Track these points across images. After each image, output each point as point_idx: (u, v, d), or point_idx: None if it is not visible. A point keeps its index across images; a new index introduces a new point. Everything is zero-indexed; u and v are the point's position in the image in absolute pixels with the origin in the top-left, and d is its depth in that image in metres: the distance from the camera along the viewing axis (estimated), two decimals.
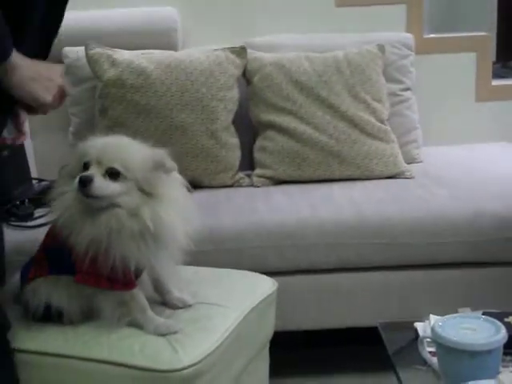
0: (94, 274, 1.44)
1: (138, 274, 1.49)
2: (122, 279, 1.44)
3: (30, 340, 1.52)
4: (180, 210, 1.48)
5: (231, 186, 2.52)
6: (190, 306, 1.60)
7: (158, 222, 1.43)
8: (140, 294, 1.51)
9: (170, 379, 1.40)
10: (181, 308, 1.60)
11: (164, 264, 1.52)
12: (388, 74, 2.68)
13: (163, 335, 1.47)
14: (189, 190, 1.55)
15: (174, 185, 1.52)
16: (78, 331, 1.51)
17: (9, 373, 1.49)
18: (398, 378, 1.39)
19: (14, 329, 1.54)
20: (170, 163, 1.50)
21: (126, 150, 1.50)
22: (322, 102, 2.52)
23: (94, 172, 1.42)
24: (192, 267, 1.80)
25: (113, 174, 1.43)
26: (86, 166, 1.45)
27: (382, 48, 2.65)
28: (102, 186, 1.41)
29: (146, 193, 1.44)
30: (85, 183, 1.40)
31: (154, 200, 1.44)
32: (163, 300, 1.62)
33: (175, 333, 1.47)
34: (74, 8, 2.72)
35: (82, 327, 1.52)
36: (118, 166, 1.43)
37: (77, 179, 1.42)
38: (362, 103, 2.53)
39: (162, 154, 1.51)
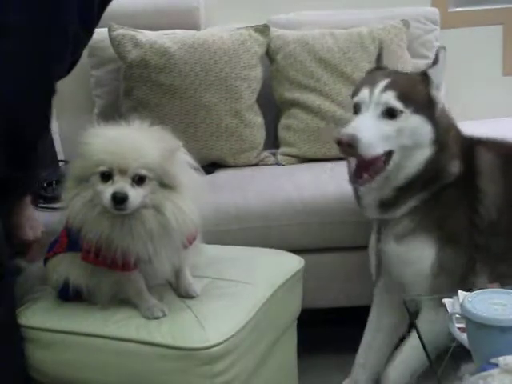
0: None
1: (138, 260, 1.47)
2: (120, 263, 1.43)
3: (58, 319, 1.54)
4: (194, 196, 1.45)
5: (256, 164, 2.52)
6: (193, 297, 1.57)
7: (180, 217, 1.40)
8: (137, 277, 1.50)
9: (197, 357, 1.41)
10: (184, 297, 1.57)
11: (172, 253, 1.48)
12: (413, 49, 2.65)
13: (153, 317, 1.47)
14: (197, 170, 1.50)
15: (184, 169, 1.47)
16: (107, 312, 1.52)
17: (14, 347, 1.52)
18: (428, 357, 1.38)
19: (43, 308, 1.57)
20: (175, 143, 1.45)
21: (144, 148, 1.40)
22: (347, 78, 2.50)
23: (123, 185, 1.36)
24: (218, 246, 1.81)
25: (139, 180, 1.38)
26: (105, 176, 1.38)
27: (406, 23, 2.61)
28: (137, 199, 1.36)
29: (166, 186, 1.41)
30: (121, 201, 1.35)
31: (173, 192, 1.41)
32: (174, 285, 1.61)
33: (163, 316, 1.47)
34: None
35: (111, 308, 1.53)
36: (143, 171, 1.37)
37: (108, 195, 1.35)
38: None
39: (169, 138, 1.45)
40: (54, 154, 2.50)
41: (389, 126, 1.59)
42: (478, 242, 1.65)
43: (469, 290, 1.37)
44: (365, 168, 1.62)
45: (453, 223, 1.65)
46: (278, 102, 2.59)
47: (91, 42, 2.63)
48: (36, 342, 1.54)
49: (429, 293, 1.64)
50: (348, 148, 1.56)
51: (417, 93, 1.63)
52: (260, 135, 2.53)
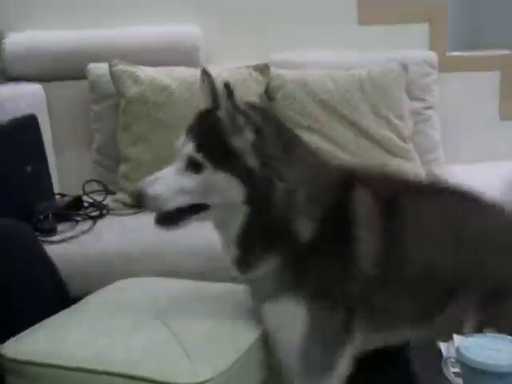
0: None
1: None
2: None
3: (45, 352, 1.50)
4: None
5: None
6: None
7: None
8: None
9: None
10: None
11: None
12: (411, 92, 2.68)
13: None
14: None
15: None
16: (92, 341, 1.49)
17: None
18: None
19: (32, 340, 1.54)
20: None
21: None
22: (345, 119, 2.52)
23: None
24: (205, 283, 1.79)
25: None
26: None
27: (404, 66, 2.64)
28: None
29: None
30: None
31: None
32: None
33: None
34: (98, 25, 2.79)
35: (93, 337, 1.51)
36: None
37: None
38: (384, 121, 2.53)
39: None
40: (51, 186, 2.50)
41: (191, 181, 1.40)
42: (356, 294, 1.46)
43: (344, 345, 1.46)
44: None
45: (323, 277, 1.45)
46: None
47: (92, 77, 2.67)
48: (20, 376, 1.50)
49: (301, 352, 1.48)
50: (137, 200, 1.45)
51: (215, 144, 1.40)
52: None
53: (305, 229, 1.42)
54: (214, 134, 1.39)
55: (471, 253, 1.50)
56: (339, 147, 2.48)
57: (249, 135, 1.37)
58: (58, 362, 1.47)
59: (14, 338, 1.54)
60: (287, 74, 2.62)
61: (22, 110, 2.40)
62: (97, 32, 2.82)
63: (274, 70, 2.62)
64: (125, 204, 2.45)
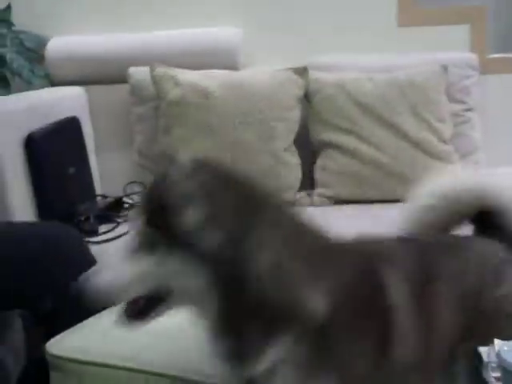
0: None
1: None
2: None
3: (90, 350, 1.51)
4: None
5: (292, 204, 2.52)
6: None
7: None
8: None
9: None
10: None
11: None
12: (451, 94, 2.65)
13: None
14: None
15: None
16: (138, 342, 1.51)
17: None
18: None
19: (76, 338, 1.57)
20: None
21: None
22: (384, 122, 2.51)
23: None
24: None
25: None
26: None
27: (444, 68, 2.62)
28: None
29: None
30: None
31: None
32: None
33: None
34: (139, 30, 2.83)
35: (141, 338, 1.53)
36: None
37: None
38: (424, 123, 2.51)
39: None
40: (92, 188, 2.55)
41: (143, 264, 1.11)
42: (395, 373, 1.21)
43: None
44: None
45: (356, 365, 1.16)
46: (315, 143, 2.61)
47: (133, 81, 2.71)
48: (64, 373, 1.53)
49: None
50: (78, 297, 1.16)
51: (166, 219, 1.09)
52: (296, 176, 2.55)
53: (317, 306, 1.11)
54: (163, 209, 1.09)
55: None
56: (378, 150, 2.48)
57: (199, 208, 1.07)
58: (102, 360, 1.48)
59: (60, 336, 1.57)
60: (326, 76, 2.62)
61: (64, 113, 2.45)
62: (137, 36, 2.86)
63: (312, 73, 2.62)
64: None
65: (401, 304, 1.19)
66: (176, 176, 1.09)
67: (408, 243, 1.34)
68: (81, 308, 1.48)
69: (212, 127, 2.46)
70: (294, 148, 2.56)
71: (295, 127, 2.56)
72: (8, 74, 2.95)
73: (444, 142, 2.54)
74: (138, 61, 2.73)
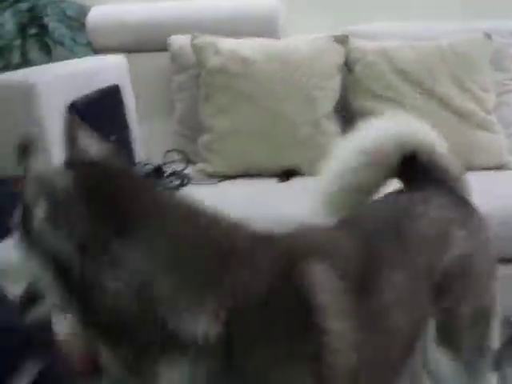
0: None
1: None
2: None
3: None
4: None
5: None
6: None
7: None
8: None
9: None
10: None
11: None
12: (494, 62, 2.61)
13: None
14: None
15: None
16: None
17: None
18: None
19: None
20: None
21: None
22: (426, 90, 2.48)
23: None
24: None
25: None
26: None
27: (488, 36, 2.57)
28: None
29: None
30: None
31: None
32: None
33: None
34: None
35: None
36: None
37: None
38: (467, 93, 2.48)
39: None
40: (132, 155, 2.57)
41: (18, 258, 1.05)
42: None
43: None
44: None
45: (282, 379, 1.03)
46: (356, 111, 2.59)
47: (173, 49, 2.71)
48: None
49: None
50: None
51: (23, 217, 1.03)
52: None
53: (204, 327, 0.97)
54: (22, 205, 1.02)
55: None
56: (419, 119, 2.45)
57: (38, 211, 0.98)
58: None
59: None
60: (366, 44, 2.60)
61: (106, 82, 2.46)
62: (178, 4, 2.87)
63: (353, 41, 2.60)
64: (205, 174, 2.50)
65: (329, 303, 1.06)
66: (35, 173, 0.99)
67: (348, 229, 1.25)
68: None
69: (252, 96, 2.46)
70: (333, 116, 2.55)
71: (335, 96, 2.54)
72: (50, 43, 2.98)
73: (487, 111, 2.50)
74: (178, 29, 2.74)
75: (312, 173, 2.49)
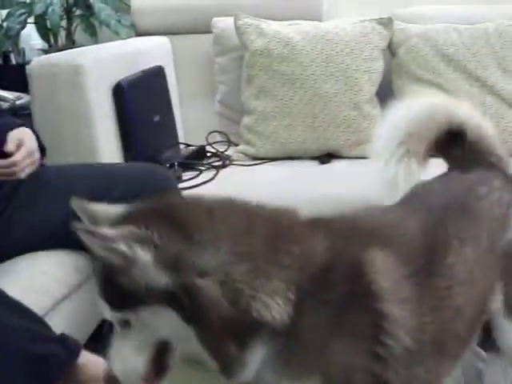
0: None
1: None
2: None
3: None
4: None
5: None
6: None
7: None
8: None
9: None
10: None
11: None
12: None
13: None
14: None
15: None
16: None
17: None
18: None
19: None
20: None
21: None
22: (470, 74, 2.46)
23: None
24: None
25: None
26: None
27: None
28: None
29: None
30: None
31: None
32: None
33: None
34: None
35: None
36: None
37: None
38: (511, 77, 2.45)
39: None
40: (176, 136, 2.60)
41: (133, 338, 1.09)
42: (386, 379, 1.11)
43: None
44: None
45: (338, 367, 1.09)
46: (398, 95, 2.58)
47: (217, 31, 2.73)
48: None
49: None
50: None
51: (122, 290, 1.05)
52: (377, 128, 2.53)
53: (279, 315, 1.04)
54: (110, 279, 1.04)
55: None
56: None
57: (143, 257, 1.00)
58: None
59: None
60: (410, 28, 2.58)
61: (150, 63, 2.49)
62: None
63: (397, 24, 2.59)
64: (247, 155, 2.52)
65: (390, 290, 1.09)
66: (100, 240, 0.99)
67: (411, 209, 1.29)
68: None
69: (294, 78, 2.47)
70: (376, 100, 2.54)
71: (378, 79, 2.54)
72: (96, 24, 3.02)
73: None
74: (221, 10, 2.76)
75: (353, 155, 2.51)
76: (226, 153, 2.54)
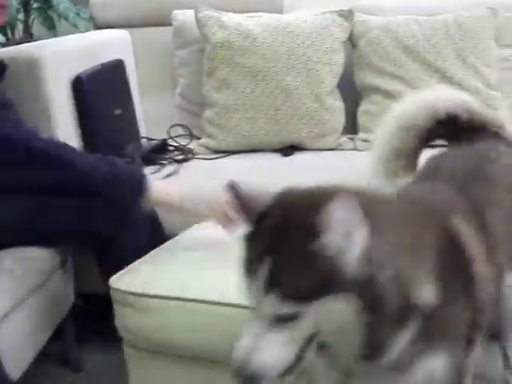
0: None
1: None
2: None
3: (158, 284, 1.58)
4: None
5: (334, 149, 2.53)
6: None
7: None
8: None
9: None
10: None
11: None
12: (500, 38, 2.60)
13: None
14: None
15: None
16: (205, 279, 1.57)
17: None
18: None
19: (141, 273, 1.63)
20: None
21: None
22: (429, 66, 2.48)
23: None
24: None
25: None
26: None
27: (494, 12, 2.56)
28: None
29: None
30: None
31: None
32: None
33: None
34: None
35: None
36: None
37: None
38: (470, 68, 2.48)
39: None
40: (137, 130, 2.57)
41: (293, 332, 1.04)
42: (478, 322, 1.24)
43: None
44: None
45: (458, 329, 1.20)
46: (359, 87, 2.59)
47: (177, 23, 2.71)
48: (131, 307, 1.59)
49: None
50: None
51: (313, 278, 1.00)
52: (339, 120, 2.54)
53: (428, 296, 1.11)
54: (311, 266, 1.00)
55: None
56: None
57: (357, 245, 1.01)
58: (162, 292, 1.56)
59: (122, 272, 1.64)
60: (371, 19, 2.59)
61: (110, 56, 2.46)
62: None
63: (357, 16, 2.59)
64: (209, 149, 2.51)
65: (477, 254, 1.21)
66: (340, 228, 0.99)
67: (442, 181, 1.37)
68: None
69: (255, 70, 2.46)
70: (337, 92, 2.55)
71: (339, 71, 2.54)
72: (54, 17, 2.98)
73: (491, 87, 2.50)
74: (181, 3, 2.74)
75: (315, 147, 2.51)
76: (188, 146, 2.52)
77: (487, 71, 2.50)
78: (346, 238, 0.99)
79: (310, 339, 1.06)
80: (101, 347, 2.15)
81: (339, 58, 2.53)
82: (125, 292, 1.59)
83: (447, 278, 1.15)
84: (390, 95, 2.48)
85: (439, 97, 1.60)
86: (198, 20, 2.57)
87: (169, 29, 2.75)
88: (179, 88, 2.75)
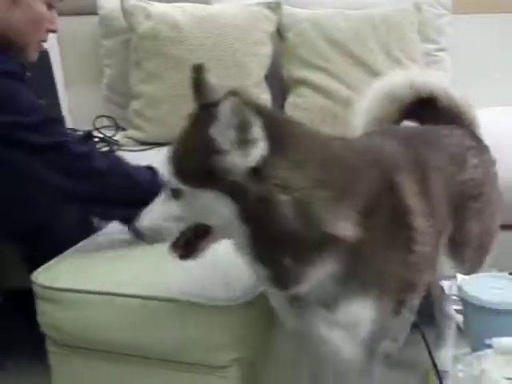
0: None
1: None
2: None
3: (78, 280, 1.57)
4: None
5: None
6: None
7: None
8: None
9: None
10: None
11: None
12: (423, 33, 2.65)
13: None
14: None
15: None
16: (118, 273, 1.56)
17: None
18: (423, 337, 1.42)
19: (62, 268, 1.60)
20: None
21: None
22: (356, 59, 2.50)
23: None
24: None
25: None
26: None
27: (418, 6, 2.61)
28: None
29: None
30: None
31: None
32: None
33: None
34: None
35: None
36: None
37: None
38: (395, 62, 2.51)
39: None
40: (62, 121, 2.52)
41: (175, 207, 1.21)
42: (411, 280, 1.33)
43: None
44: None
45: (389, 270, 1.26)
46: (287, 80, 2.60)
47: (103, 12, 2.66)
48: (55, 303, 1.57)
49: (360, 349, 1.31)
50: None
51: (196, 165, 1.15)
52: None
53: (347, 229, 1.16)
54: (199, 153, 1.14)
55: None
56: (349, 87, 2.47)
57: (257, 150, 1.09)
58: (89, 287, 1.53)
59: (45, 266, 1.62)
60: (299, 12, 2.60)
61: None
62: None
63: (285, 9, 2.60)
64: (135, 140, 2.47)
65: (415, 205, 1.29)
66: (236, 123, 1.09)
67: (395, 139, 1.44)
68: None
69: (182, 61, 2.43)
70: (265, 84, 2.55)
71: (267, 63, 2.54)
72: None
73: None
74: None
75: None
76: (114, 138, 2.48)
77: (411, 65, 2.53)
78: (237, 140, 1.09)
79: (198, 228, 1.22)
80: (24, 345, 2.10)
81: (267, 50, 2.53)
82: (48, 287, 1.56)
83: (380, 222, 1.23)
84: (317, 88, 2.50)
85: (426, 77, 1.69)
86: (124, 9, 2.53)
87: (95, 18, 2.70)
88: (105, 78, 2.70)
